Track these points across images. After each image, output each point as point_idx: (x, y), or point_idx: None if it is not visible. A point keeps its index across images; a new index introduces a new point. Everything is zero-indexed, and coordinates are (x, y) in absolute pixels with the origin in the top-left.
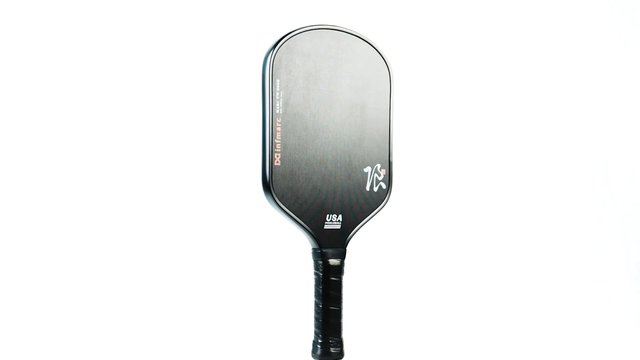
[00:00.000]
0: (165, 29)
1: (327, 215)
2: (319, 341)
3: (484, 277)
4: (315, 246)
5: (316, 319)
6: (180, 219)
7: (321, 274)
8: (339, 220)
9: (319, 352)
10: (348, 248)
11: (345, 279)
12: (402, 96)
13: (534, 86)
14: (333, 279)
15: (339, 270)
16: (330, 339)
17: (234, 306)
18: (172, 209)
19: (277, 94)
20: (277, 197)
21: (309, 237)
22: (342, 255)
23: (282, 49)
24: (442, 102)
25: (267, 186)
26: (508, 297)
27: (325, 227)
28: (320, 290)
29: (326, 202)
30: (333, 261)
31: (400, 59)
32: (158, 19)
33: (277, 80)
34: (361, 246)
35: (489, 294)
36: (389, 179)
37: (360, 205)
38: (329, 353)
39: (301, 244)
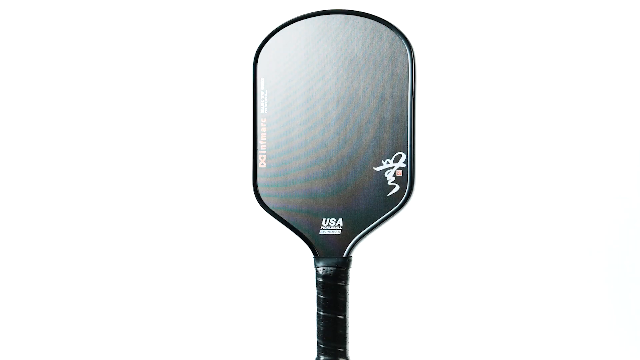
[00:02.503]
0: (154, 27)
1: (324, 220)
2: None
3: (516, 294)
4: (313, 253)
5: (317, 329)
6: (173, 225)
7: (319, 282)
8: (338, 225)
9: None
10: (359, 254)
11: (354, 288)
12: (426, 81)
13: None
14: (330, 289)
15: (337, 279)
16: (331, 352)
17: (231, 315)
18: (161, 214)
19: (262, 93)
20: (263, 200)
21: (305, 242)
22: (341, 265)
23: (268, 46)
24: (478, 86)
25: (254, 189)
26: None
27: (322, 232)
28: (320, 300)
29: (322, 205)
30: (329, 270)
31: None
32: (148, 17)
33: (262, 79)
34: (374, 251)
35: (516, 313)
36: (407, 180)
37: (368, 209)
38: None
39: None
